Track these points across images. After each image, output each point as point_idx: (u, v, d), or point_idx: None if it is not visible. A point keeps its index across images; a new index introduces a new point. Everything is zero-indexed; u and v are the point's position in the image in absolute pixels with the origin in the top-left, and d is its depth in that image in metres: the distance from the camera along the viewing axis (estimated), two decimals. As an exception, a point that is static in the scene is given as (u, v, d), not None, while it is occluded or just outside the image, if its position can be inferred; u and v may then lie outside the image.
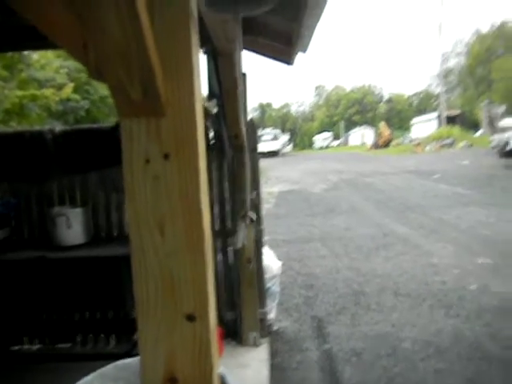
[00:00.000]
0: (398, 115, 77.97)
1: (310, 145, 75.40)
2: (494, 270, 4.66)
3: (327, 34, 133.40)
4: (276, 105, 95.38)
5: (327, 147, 69.44)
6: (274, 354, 3.22)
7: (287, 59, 3.58)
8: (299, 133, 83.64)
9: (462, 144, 26.08)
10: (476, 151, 22.04)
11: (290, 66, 3.62)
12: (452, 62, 48.82)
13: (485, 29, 43.91)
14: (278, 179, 16.75)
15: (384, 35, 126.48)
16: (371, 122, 69.75)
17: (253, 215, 2.97)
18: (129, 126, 0.75)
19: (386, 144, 41.56)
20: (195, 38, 0.75)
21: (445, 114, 35.22)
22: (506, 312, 3.62)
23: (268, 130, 51.30)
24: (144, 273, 0.73)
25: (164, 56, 0.71)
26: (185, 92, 0.74)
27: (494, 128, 28.08)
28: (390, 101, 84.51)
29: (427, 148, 27.74)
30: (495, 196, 9.45)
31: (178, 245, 0.74)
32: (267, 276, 3.49)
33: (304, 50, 3.21)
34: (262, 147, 44.63)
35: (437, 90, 58.41)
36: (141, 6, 0.62)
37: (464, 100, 41.59)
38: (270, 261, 3.59)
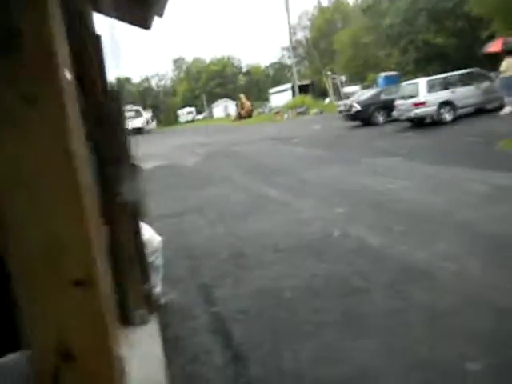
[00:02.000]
0: (257, 86, 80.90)
1: (176, 120, 73.96)
2: (350, 217, 5.30)
3: (181, 5, 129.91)
4: (135, 79, 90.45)
5: (193, 121, 69.12)
6: (165, 328, 3.18)
7: (143, 23, 3.40)
8: (163, 108, 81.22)
9: (314, 111, 28.51)
10: (326, 116, 24.37)
11: (147, 31, 3.44)
12: (299, 35, 52.45)
13: (324, 2, 47.93)
14: (147, 156, 16.11)
15: (236, 5, 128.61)
16: (233, 94, 71.03)
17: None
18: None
19: (249, 114, 43.10)
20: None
21: (297, 84, 37.87)
22: (364, 252, 4.17)
23: (129, 106, 48.61)
24: (18, 238, 0.62)
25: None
26: (42, 26, 0.63)
27: (338, 95, 31.36)
28: (248, 72, 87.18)
29: (285, 116, 29.68)
30: (345, 154, 10.64)
31: (52, 204, 0.65)
32: (149, 251, 3.39)
33: (160, 14, 3.08)
34: (124, 125, 42.32)
35: (289, 61, 62.43)
36: None
37: (312, 71, 45.08)
38: (150, 235, 3.48)
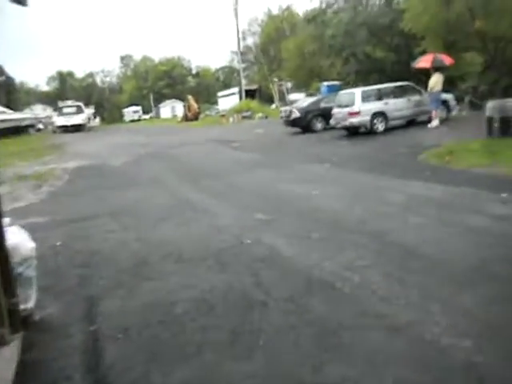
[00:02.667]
0: (207, 89, 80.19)
1: (121, 118, 71.38)
2: (268, 224, 5.10)
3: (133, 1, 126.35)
4: (79, 74, 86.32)
5: (139, 120, 67.18)
6: (28, 349, 2.75)
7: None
8: (107, 106, 78.10)
9: (259, 115, 28.57)
10: (270, 121, 24.47)
11: (23, 7, 3.02)
12: (249, 40, 52.62)
13: (274, 10, 48.49)
14: (76, 154, 15.21)
15: (188, 6, 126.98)
16: (181, 95, 69.93)
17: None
18: None
19: (196, 117, 42.43)
20: None
21: (245, 88, 37.89)
22: (272, 261, 3.95)
23: (69, 102, 46.11)
24: None
25: None
26: None
27: (284, 101, 31.71)
28: (197, 75, 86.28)
29: (230, 120, 29.46)
30: (279, 159, 10.55)
31: None
32: (16, 260, 2.94)
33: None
34: (64, 121, 40.14)
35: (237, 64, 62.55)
36: None
37: (260, 76, 45.34)
38: (19, 243, 3.03)
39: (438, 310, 2.78)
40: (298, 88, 34.40)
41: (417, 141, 10.87)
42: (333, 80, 26.03)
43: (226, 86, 64.91)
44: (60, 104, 45.82)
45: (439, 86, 12.42)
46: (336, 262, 3.75)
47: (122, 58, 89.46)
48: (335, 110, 13.65)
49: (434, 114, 12.59)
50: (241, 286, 3.45)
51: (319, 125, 15.89)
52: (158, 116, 69.07)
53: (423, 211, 5.04)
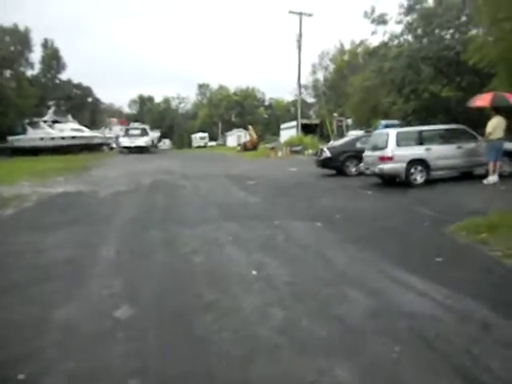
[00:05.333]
0: (277, 121, 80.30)
1: (190, 143, 73.35)
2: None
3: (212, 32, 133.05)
4: (158, 99, 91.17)
5: (204, 147, 68.49)
6: None
7: None
8: (178, 130, 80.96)
9: (309, 152, 26.60)
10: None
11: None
12: (319, 74, 51.45)
13: (347, 44, 46.87)
14: (86, 180, 14.42)
15: (267, 38, 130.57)
16: (248, 125, 70.47)
17: None
18: None
19: (254, 146, 41.70)
20: None
21: (304, 122, 36.29)
22: None
23: (136, 124, 47.82)
24: None
25: None
26: None
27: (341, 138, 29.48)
28: (270, 106, 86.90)
29: (279, 153, 27.85)
30: (274, 208, 8.53)
31: None
32: None
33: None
34: (128, 142, 41.45)
35: (309, 98, 61.42)
36: None
37: (325, 111, 43.61)
38: None
39: None
40: (358, 125, 32.04)
41: (458, 201, 8.26)
42: (394, 118, 23.53)
43: (295, 118, 64.04)
44: (127, 126, 47.81)
45: (499, 133, 9.66)
46: None
47: (200, 86, 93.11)
48: (366, 153, 11.34)
49: (491, 166, 9.79)
50: None
51: (353, 168, 13.52)
52: (224, 144, 69.83)
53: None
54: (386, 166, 10.31)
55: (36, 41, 58.09)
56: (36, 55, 59.04)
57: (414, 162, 10.25)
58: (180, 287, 4.14)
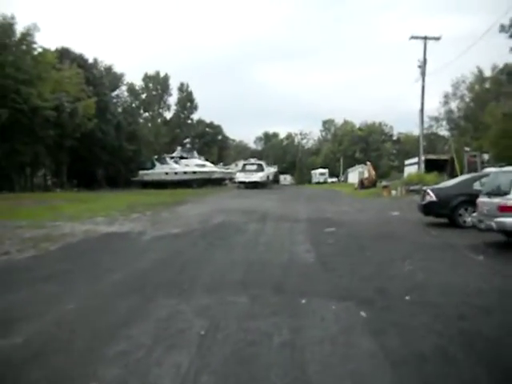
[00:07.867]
0: (407, 155, 74.65)
1: (310, 179, 72.27)
2: None
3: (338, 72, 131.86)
4: (282, 135, 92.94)
5: (324, 183, 66.67)
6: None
7: None
8: (300, 166, 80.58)
9: (429, 192, 22.58)
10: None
11: None
12: (452, 105, 45.68)
13: (486, 71, 40.74)
14: (157, 216, 13.75)
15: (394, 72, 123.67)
16: (373, 161, 66.64)
17: None
18: None
19: (373, 184, 38.48)
20: None
21: (429, 157, 31.85)
22: None
23: (252, 160, 48.31)
24: None
25: None
26: None
27: (474, 177, 24.60)
28: (398, 140, 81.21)
29: (393, 192, 24.35)
30: (330, 270, 6.15)
31: None
32: None
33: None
34: (244, 177, 42.06)
35: (443, 131, 55.03)
36: None
37: (456, 144, 38.12)
38: None
39: None
40: (498, 161, 26.57)
41: None
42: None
43: (427, 153, 58.10)
44: (244, 161, 48.66)
45: None
46: None
47: (325, 122, 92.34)
48: (480, 199, 8.08)
49: None
50: None
51: (468, 218, 10.02)
52: (345, 180, 66.88)
53: None
54: (507, 220, 7.02)
55: (173, 85, 64.98)
56: (173, 98, 65.72)
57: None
58: None
